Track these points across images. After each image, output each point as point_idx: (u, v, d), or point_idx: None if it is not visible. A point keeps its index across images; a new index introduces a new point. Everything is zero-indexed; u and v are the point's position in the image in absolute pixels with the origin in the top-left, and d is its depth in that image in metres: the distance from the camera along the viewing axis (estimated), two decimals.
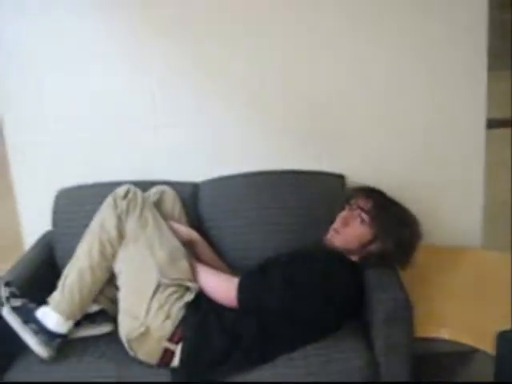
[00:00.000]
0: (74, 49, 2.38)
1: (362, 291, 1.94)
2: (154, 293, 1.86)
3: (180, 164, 2.48)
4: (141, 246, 1.94)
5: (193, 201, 2.36)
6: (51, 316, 1.88)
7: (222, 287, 1.93)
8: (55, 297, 1.92)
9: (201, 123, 2.45)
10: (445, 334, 1.87)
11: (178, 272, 1.92)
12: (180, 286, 1.90)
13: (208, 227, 2.32)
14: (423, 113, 2.40)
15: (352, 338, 1.90)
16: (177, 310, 1.85)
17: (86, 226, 2.09)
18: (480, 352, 1.83)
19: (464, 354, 1.95)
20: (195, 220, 2.32)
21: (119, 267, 1.96)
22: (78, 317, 1.93)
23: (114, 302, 2.03)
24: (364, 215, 2.02)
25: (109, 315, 2.04)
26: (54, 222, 2.39)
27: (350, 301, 1.92)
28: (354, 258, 2.03)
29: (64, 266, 2.18)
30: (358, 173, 2.43)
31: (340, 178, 2.39)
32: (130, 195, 2.01)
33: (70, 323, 1.90)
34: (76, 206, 2.37)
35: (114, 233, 1.95)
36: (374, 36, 2.32)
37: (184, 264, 1.95)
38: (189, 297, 1.88)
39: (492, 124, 2.43)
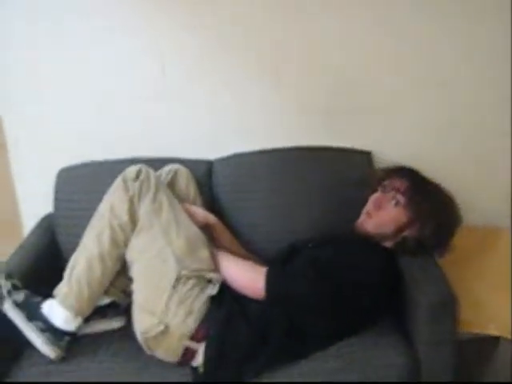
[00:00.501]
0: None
1: (399, 281, 1.76)
2: (174, 286, 1.68)
3: (193, 140, 2.28)
4: (156, 234, 1.75)
5: (206, 180, 2.17)
6: (58, 312, 1.70)
7: (247, 277, 1.75)
8: (62, 289, 1.74)
9: (215, 97, 2.23)
10: (494, 330, 1.70)
11: (198, 262, 1.73)
12: (201, 277, 1.72)
13: (224, 208, 2.15)
14: (449, 89, 2.22)
15: (389, 333, 1.75)
16: (199, 306, 1.67)
17: (90, 208, 1.93)
18: None
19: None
20: (210, 201, 2.14)
21: (132, 256, 1.77)
22: (88, 312, 1.76)
23: (126, 293, 1.86)
24: (399, 197, 1.84)
25: (121, 308, 1.87)
26: (56, 204, 2.19)
27: (385, 291, 1.76)
28: (388, 244, 1.87)
29: (67, 251, 2.06)
30: (383, 149, 2.25)
31: (367, 154, 2.21)
32: (142, 176, 1.81)
33: (80, 320, 1.73)
34: (79, 185, 2.19)
35: (125, 218, 1.76)
36: (404, 9, 2.12)
37: (204, 253, 1.76)
38: (212, 290, 1.70)
39: None
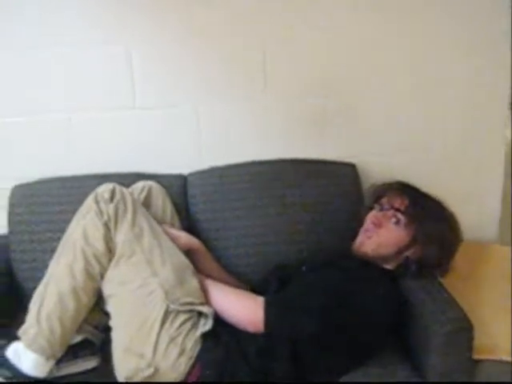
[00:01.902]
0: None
1: (404, 306, 1.63)
2: (162, 323, 1.48)
3: (164, 153, 2.07)
4: (138, 263, 1.56)
5: (181, 198, 1.97)
6: (27, 356, 1.48)
7: (243, 309, 1.57)
8: (29, 330, 1.50)
9: (186, 105, 2.04)
10: (506, 355, 1.59)
11: (187, 294, 1.54)
12: (192, 311, 1.52)
13: (202, 229, 1.94)
14: (437, 101, 2.12)
15: (395, 364, 1.61)
16: (192, 344, 1.48)
17: (51, 229, 1.82)
18: None
19: None
20: (185, 221, 1.94)
21: (110, 289, 1.57)
22: (60, 354, 1.53)
23: (99, 328, 1.64)
24: (400, 215, 1.70)
25: (93, 346, 1.64)
26: (10, 225, 1.94)
27: (392, 318, 1.62)
28: (390, 266, 1.73)
29: (24, 280, 1.89)
30: (368, 162, 2.12)
31: (351, 166, 2.07)
32: (117, 196, 1.61)
33: (51, 363, 1.51)
34: (37, 204, 1.94)
35: (101, 246, 1.55)
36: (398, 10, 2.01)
37: (193, 282, 1.58)
38: (205, 326, 1.51)
39: None
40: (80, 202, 1.70)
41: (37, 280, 1.65)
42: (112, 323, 1.56)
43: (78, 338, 1.63)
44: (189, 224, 1.94)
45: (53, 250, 1.69)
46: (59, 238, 1.70)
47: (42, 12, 1.90)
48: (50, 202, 1.93)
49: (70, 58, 1.96)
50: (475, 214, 2.17)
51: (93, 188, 1.71)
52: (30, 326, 1.52)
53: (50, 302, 1.52)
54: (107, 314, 1.62)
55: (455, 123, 2.13)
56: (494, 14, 2.02)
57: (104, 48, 1.95)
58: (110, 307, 1.57)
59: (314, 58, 2.02)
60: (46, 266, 1.65)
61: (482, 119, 2.14)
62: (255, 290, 1.74)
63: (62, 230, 1.70)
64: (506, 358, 1.62)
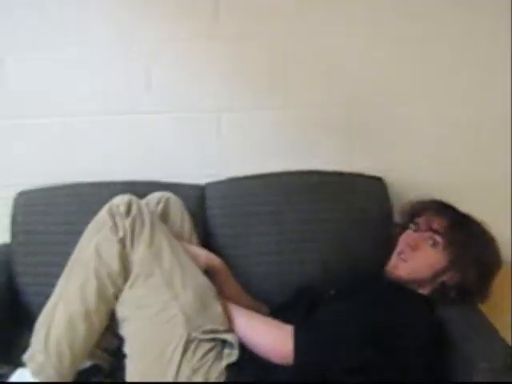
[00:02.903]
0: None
1: (441, 334, 1.50)
2: (184, 353, 1.34)
3: (176, 162, 1.94)
4: (156, 285, 1.42)
5: (198, 210, 1.83)
6: None
7: (271, 339, 1.44)
8: (36, 357, 1.37)
9: (208, 112, 1.91)
10: None
11: (211, 320, 1.41)
12: (215, 339, 1.38)
13: (219, 246, 1.82)
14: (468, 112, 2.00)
15: None
16: (216, 376, 1.35)
17: (56, 240, 1.72)
18: None
19: None
20: (201, 236, 1.79)
21: (125, 312, 1.43)
22: (68, 381, 1.38)
23: (109, 351, 1.50)
24: (438, 237, 1.58)
25: (103, 372, 1.51)
26: (13, 234, 1.81)
27: (432, 351, 1.48)
28: (425, 291, 1.61)
29: (27, 293, 1.76)
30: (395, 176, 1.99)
31: (378, 180, 1.94)
32: (134, 210, 1.47)
33: None
34: (41, 213, 1.81)
35: (116, 265, 1.42)
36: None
37: (217, 308, 1.45)
38: (230, 356, 1.37)
39: None
40: (90, 211, 1.58)
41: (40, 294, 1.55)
42: (127, 349, 1.43)
43: (87, 364, 1.49)
44: (205, 239, 1.80)
45: (58, 264, 1.56)
46: (66, 251, 1.56)
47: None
48: (55, 212, 1.81)
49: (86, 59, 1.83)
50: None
51: (102, 197, 1.61)
52: (37, 352, 1.38)
53: (60, 326, 1.38)
54: (118, 336, 1.49)
55: (484, 144, 2.01)
56: None
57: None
58: (125, 331, 1.44)
59: (342, 66, 1.89)
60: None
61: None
62: (275, 313, 1.61)
63: (68, 242, 1.58)
64: None
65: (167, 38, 1.83)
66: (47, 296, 1.47)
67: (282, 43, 1.86)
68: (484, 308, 1.62)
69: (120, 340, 1.49)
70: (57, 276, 1.49)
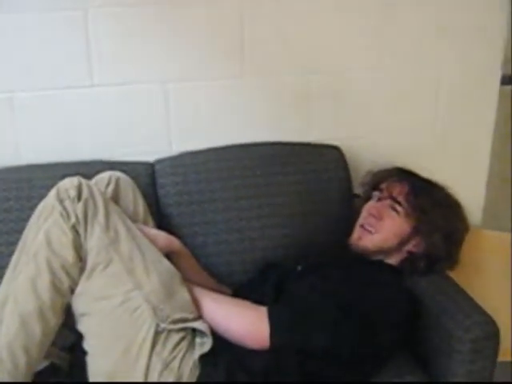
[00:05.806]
0: None
1: (417, 306, 1.46)
2: (153, 346, 1.23)
3: (125, 137, 1.80)
4: (116, 274, 1.30)
5: (148, 189, 1.70)
6: None
7: (246, 322, 1.35)
8: None
9: (153, 82, 1.76)
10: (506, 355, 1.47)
11: (179, 308, 1.31)
12: (185, 329, 1.29)
13: (175, 226, 1.70)
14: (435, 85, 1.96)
15: (409, 374, 1.43)
16: (190, 369, 1.26)
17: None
18: None
19: None
20: (155, 217, 1.67)
21: (83, 306, 1.31)
22: None
23: (67, 350, 1.38)
24: (398, 205, 1.56)
25: (60, 372, 1.38)
26: None
27: (407, 322, 1.45)
28: (393, 262, 1.57)
29: None
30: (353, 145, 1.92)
31: (336, 149, 1.87)
32: (85, 193, 1.34)
33: None
34: None
35: (70, 255, 1.29)
36: None
37: (184, 294, 1.35)
38: (203, 346, 1.28)
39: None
40: (33, 197, 1.51)
41: None
42: (88, 346, 1.31)
43: (44, 364, 1.36)
44: (159, 220, 1.68)
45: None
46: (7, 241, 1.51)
47: None
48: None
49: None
50: (461, 199, 2.03)
51: (47, 180, 1.52)
52: None
53: (11, 328, 1.25)
54: (73, 331, 1.37)
55: (445, 105, 1.97)
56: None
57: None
58: (84, 327, 1.32)
59: (298, 32, 1.80)
60: None
61: (471, 101, 1.99)
62: (240, 293, 1.53)
63: (12, 231, 1.52)
64: (505, 358, 1.53)
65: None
66: None
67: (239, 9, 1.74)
68: (453, 274, 1.60)
69: (76, 334, 1.37)
70: None
